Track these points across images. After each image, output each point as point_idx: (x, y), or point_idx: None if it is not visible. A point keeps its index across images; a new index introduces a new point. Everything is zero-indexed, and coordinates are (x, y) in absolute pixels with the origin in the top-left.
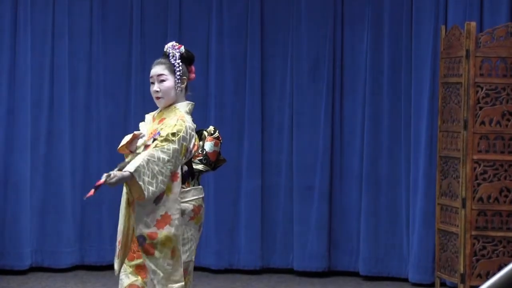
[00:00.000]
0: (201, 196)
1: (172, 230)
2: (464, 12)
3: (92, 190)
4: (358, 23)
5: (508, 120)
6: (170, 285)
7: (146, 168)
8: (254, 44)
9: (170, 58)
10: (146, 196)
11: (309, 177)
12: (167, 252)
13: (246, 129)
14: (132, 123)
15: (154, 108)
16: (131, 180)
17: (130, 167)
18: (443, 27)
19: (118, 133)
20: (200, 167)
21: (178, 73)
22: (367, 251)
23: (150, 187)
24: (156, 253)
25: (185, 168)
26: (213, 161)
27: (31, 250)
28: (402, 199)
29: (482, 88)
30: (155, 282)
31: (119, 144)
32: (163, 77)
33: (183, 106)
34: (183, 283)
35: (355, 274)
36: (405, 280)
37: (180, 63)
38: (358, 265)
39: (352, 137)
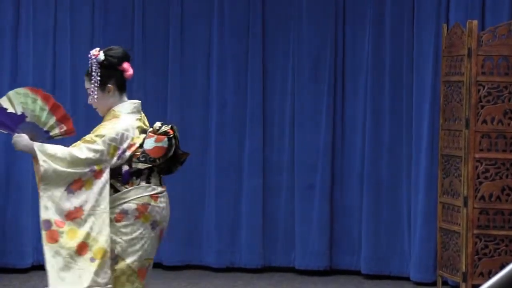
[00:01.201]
0: (146, 194)
1: (82, 226)
2: (466, 11)
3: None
4: (360, 22)
5: (510, 118)
6: None
7: (50, 150)
8: (256, 43)
9: (91, 68)
10: (40, 172)
11: (310, 176)
12: (69, 243)
13: (248, 128)
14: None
15: (154, 107)
16: (34, 155)
17: (37, 144)
18: (444, 25)
19: None
20: (139, 165)
21: (92, 83)
22: (369, 250)
23: (44, 165)
24: (61, 241)
25: (126, 168)
26: (157, 157)
27: (33, 248)
28: (403, 197)
29: (484, 87)
30: (47, 272)
31: None
32: (88, 91)
33: (124, 107)
34: (111, 285)
35: (357, 273)
36: (407, 278)
37: (98, 71)
38: (360, 263)
39: (354, 135)
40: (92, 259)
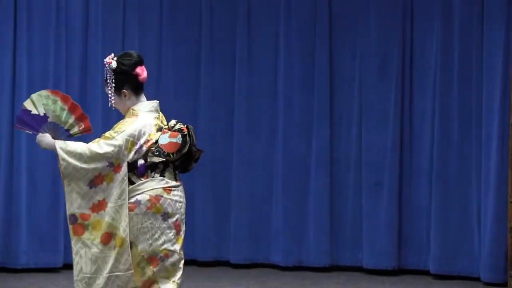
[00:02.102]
0: (159, 186)
1: (106, 217)
2: None
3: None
4: (428, 19)
5: None
6: (116, 273)
7: (70, 147)
8: (323, 41)
9: (106, 75)
10: (61, 169)
11: (378, 174)
12: (97, 235)
13: (315, 126)
14: (201, 121)
15: (221, 107)
16: (56, 152)
17: (58, 142)
18: None
19: None
20: (154, 159)
21: (108, 88)
22: (438, 250)
23: (64, 163)
24: (86, 234)
25: (142, 161)
26: (170, 152)
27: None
28: (473, 196)
29: None
30: (74, 263)
31: None
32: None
33: (143, 106)
34: (132, 271)
35: (426, 272)
36: (477, 279)
37: (113, 77)
38: (429, 263)
39: (422, 133)
40: (114, 247)
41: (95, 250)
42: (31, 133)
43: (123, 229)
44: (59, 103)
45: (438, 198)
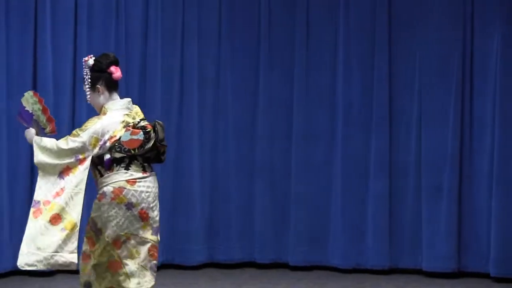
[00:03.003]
0: (122, 179)
1: (60, 201)
2: None
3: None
4: (489, 21)
5: None
6: (60, 253)
7: (43, 143)
8: (382, 43)
9: (84, 72)
10: (35, 161)
11: (438, 177)
12: (47, 215)
13: (374, 129)
14: (259, 124)
15: (280, 109)
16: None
17: (35, 138)
18: None
19: (245, 133)
20: (116, 154)
21: (85, 84)
22: (498, 252)
23: (37, 156)
24: (41, 216)
25: (107, 156)
26: (132, 148)
27: (162, 248)
28: None
29: None
30: (24, 237)
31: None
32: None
33: (114, 105)
34: (75, 254)
35: (486, 275)
36: None
37: (89, 74)
38: (489, 266)
39: (482, 136)
40: (63, 230)
41: (43, 229)
42: (25, 125)
43: (76, 215)
44: (38, 104)
45: (498, 201)
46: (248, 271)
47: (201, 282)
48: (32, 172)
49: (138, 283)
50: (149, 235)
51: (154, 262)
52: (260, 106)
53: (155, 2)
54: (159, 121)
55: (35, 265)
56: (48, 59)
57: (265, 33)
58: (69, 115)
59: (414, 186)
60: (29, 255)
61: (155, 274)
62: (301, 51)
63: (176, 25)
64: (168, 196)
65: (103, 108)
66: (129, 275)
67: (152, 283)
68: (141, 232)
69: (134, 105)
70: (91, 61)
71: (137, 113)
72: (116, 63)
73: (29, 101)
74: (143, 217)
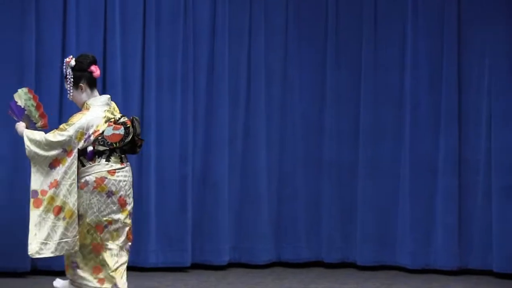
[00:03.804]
0: (104, 170)
1: (57, 191)
2: None
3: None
4: None
5: None
6: (65, 239)
7: (33, 136)
8: (451, 40)
9: (65, 72)
10: (26, 153)
11: (508, 176)
12: (50, 208)
13: (442, 127)
14: (326, 121)
15: (347, 106)
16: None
17: (26, 131)
18: None
19: (313, 129)
20: (99, 147)
21: (67, 83)
22: None
23: (28, 148)
24: (42, 207)
25: (90, 148)
26: (113, 142)
27: (229, 246)
28: None
29: None
30: (30, 229)
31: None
32: (67, 90)
33: (95, 101)
34: (77, 237)
35: None
36: None
37: (71, 73)
38: None
39: None
40: (64, 218)
41: (48, 220)
42: (15, 119)
43: (72, 204)
44: (32, 100)
45: None
46: (315, 271)
47: (268, 281)
48: None
49: (117, 262)
50: (127, 220)
51: (130, 243)
52: (327, 103)
53: (222, 1)
54: (136, 117)
55: (45, 253)
56: (117, 58)
57: (332, 29)
58: (138, 114)
59: (483, 186)
60: (38, 244)
61: (128, 253)
62: (369, 48)
63: (243, 22)
64: (235, 194)
65: (86, 104)
66: (109, 255)
67: (126, 259)
68: (120, 216)
69: (112, 101)
70: (72, 61)
71: (114, 108)
72: (95, 63)
73: (22, 97)
74: (122, 204)
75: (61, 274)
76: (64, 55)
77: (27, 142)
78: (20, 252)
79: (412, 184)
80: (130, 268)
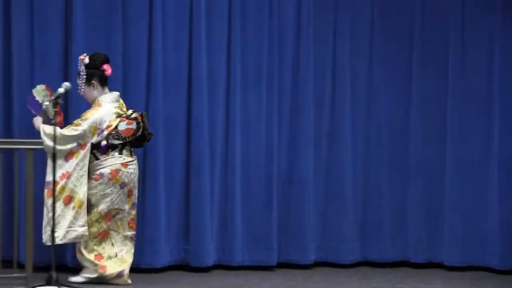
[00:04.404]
0: (118, 162)
1: (69, 184)
2: None
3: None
4: None
5: None
6: (73, 228)
7: (49, 130)
8: None
9: (79, 69)
10: (44, 145)
11: None
12: (60, 197)
13: None
14: (412, 122)
15: (434, 107)
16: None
17: (43, 125)
18: None
19: (398, 131)
20: (114, 141)
21: (80, 80)
22: None
23: (44, 142)
24: (55, 195)
25: (104, 142)
26: (127, 136)
27: (315, 246)
28: None
29: None
30: (44, 215)
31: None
32: (79, 86)
33: (106, 98)
34: (86, 227)
35: None
36: None
37: (85, 71)
38: None
39: None
40: (73, 208)
41: (57, 209)
42: (34, 113)
43: (83, 194)
44: (48, 97)
45: None
46: (402, 270)
47: (354, 280)
48: (187, 170)
49: (121, 250)
50: (132, 210)
51: (133, 232)
52: (413, 105)
53: (307, 2)
54: (144, 112)
55: (55, 241)
56: (202, 58)
57: (418, 31)
58: (223, 111)
59: None
60: (49, 232)
61: (133, 242)
62: (456, 49)
63: (328, 25)
64: (320, 194)
65: (97, 101)
66: (113, 243)
67: (132, 251)
68: (127, 207)
69: (120, 98)
70: (86, 59)
71: (123, 105)
72: (107, 62)
73: (40, 93)
74: (129, 194)
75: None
76: (151, 54)
77: (43, 137)
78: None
79: (501, 184)
80: (217, 267)
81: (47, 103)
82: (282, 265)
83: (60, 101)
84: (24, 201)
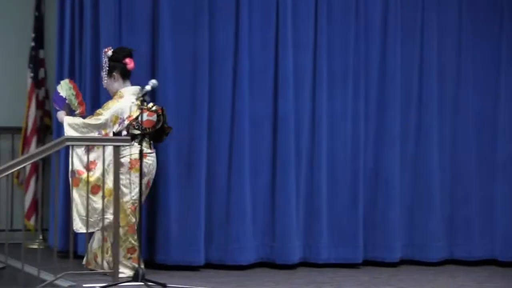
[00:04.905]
0: (137, 152)
1: (96, 173)
2: None
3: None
4: None
5: None
6: (105, 216)
7: (72, 121)
8: None
9: (103, 61)
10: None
11: None
12: (86, 185)
13: None
14: (500, 117)
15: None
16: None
17: (66, 117)
18: None
19: (487, 128)
20: (134, 131)
21: (104, 72)
22: None
23: (67, 131)
24: (80, 186)
25: (124, 132)
26: (147, 127)
27: (401, 244)
28: None
29: None
30: (73, 205)
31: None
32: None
33: (127, 90)
34: (113, 217)
35: None
36: None
37: (108, 63)
38: None
39: None
40: (103, 197)
41: (84, 198)
42: (57, 108)
43: (111, 183)
44: (72, 90)
45: None
46: (489, 269)
47: (441, 278)
48: (273, 167)
49: (136, 240)
50: (143, 201)
51: (136, 221)
52: (501, 100)
53: None
54: (163, 107)
55: (83, 229)
56: (289, 56)
57: (507, 25)
58: (309, 108)
59: None
60: (81, 220)
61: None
62: None
63: (416, 21)
64: (407, 191)
65: (119, 92)
66: (137, 236)
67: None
68: (144, 197)
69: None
70: (110, 52)
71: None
72: (130, 56)
73: (64, 87)
74: (147, 185)
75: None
76: (237, 52)
77: (66, 128)
78: (194, 246)
79: None
80: (302, 264)
81: (70, 96)
82: (367, 263)
83: (147, 98)
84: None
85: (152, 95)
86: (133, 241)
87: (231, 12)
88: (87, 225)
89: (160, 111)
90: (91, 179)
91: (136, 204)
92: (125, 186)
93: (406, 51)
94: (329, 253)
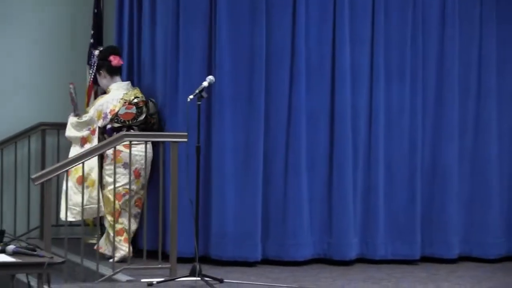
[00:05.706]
0: (119, 143)
1: (85, 166)
2: None
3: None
4: None
5: None
6: (90, 206)
7: (70, 120)
8: None
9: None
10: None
11: None
12: (74, 176)
13: None
14: None
15: None
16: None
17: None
18: None
19: None
20: (115, 124)
21: (91, 69)
22: None
23: (66, 132)
24: (69, 179)
25: (109, 126)
26: (126, 120)
27: (459, 239)
28: None
29: None
30: (68, 195)
31: None
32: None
33: (114, 86)
34: (99, 204)
35: None
36: None
37: (96, 62)
38: None
39: None
40: (87, 187)
41: (73, 188)
42: (76, 112)
43: (95, 174)
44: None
45: None
46: (509, 265)
47: (499, 275)
48: (330, 163)
49: (122, 223)
50: (141, 190)
51: (138, 210)
52: None
53: None
54: (153, 99)
55: (74, 218)
56: (346, 51)
57: None
58: (366, 103)
59: None
60: (65, 210)
61: (137, 219)
62: None
63: (474, 13)
64: (465, 187)
65: (108, 89)
66: (126, 220)
67: (135, 226)
68: (134, 187)
69: (135, 87)
70: (97, 51)
71: (135, 93)
72: (115, 53)
73: (72, 90)
74: (136, 175)
75: (287, 264)
76: (294, 48)
77: (68, 126)
78: (250, 242)
79: None
80: (359, 260)
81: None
82: (425, 259)
83: (204, 94)
84: (169, 193)
85: (208, 91)
86: (119, 225)
87: (288, 7)
88: (66, 213)
89: (141, 104)
90: (79, 170)
91: (122, 193)
92: (109, 176)
93: (464, 44)
94: (386, 249)
